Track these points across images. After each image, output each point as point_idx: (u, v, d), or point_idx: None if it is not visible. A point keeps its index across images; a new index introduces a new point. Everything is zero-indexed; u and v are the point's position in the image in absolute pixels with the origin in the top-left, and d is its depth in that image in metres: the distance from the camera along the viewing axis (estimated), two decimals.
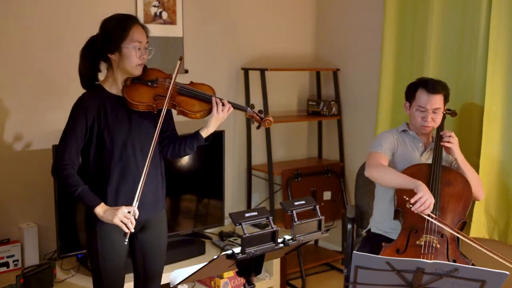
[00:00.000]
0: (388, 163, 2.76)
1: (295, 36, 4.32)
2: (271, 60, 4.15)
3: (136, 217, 2.21)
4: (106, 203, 2.29)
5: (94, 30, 2.34)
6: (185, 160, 3.46)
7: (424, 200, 2.41)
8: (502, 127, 3.14)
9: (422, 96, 2.73)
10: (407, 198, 2.43)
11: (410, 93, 2.81)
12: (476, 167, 3.10)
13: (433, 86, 2.73)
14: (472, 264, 2.52)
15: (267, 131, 3.91)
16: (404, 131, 2.87)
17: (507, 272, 1.91)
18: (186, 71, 3.67)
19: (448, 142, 2.71)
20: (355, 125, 4.21)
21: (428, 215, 2.49)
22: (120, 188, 2.32)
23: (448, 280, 1.96)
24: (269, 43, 4.16)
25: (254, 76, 4.00)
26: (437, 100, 2.72)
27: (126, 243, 2.19)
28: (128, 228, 2.18)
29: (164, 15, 3.61)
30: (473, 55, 3.25)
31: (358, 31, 4.11)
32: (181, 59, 2.36)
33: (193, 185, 3.55)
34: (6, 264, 3.07)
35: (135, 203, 2.20)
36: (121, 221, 2.18)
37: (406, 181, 2.56)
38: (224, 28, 3.93)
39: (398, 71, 3.69)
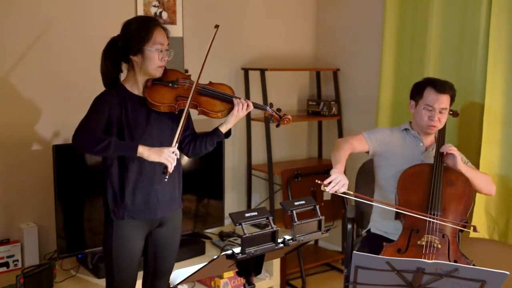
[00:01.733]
0: (370, 151, 2.81)
1: (295, 36, 4.32)
2: (271, 60, 4.15)
3: (178, 156, 2.25)
4: (123, 201, 2.34)
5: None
6: (185, 160, 3.45)
7: (338, 180, 2.43)
8: (502, 127, 3.14)
9: (430, 94, 2.72)
10: (319, 182, 2.44)
11: (417, 92, 2.79)
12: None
13: (441, 85, 2.73)
14: (473, 265, 2.51)
15: (267, 131, 3.91)
16: (405, 129, 2.87)
17: (507, 272, 1.91)
18: (186, 71, 3.67)
19: (450, 150, 2.69)
20: (355, 125, 4.21)
21: (429, 217, 2.50)
22: (137, 186, 2.35)
23: (448, 280, 1.96)
24: (269, 43, 4.16)
25: (254, 76, 4.00)
26: (445, 100, 2.72)
27: (166, 179, 2.23)
28: (171, 166, 2.21)
29: (164, 15, 3.61)
30: (473, 55, 3.25)
31: (358, 31, 4.11)
32: (217, 26, 2.43)
33: (193, 185, 3.55)
34: (6, 264, 3.07)
35: (175, 144, 2.24)
36: (166, 159, 2.20)
37: (334, 161, 2.63)
38: (224, 28, 3.90)
39: (398, 71, 3.69)
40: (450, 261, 2.46)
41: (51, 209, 3.04)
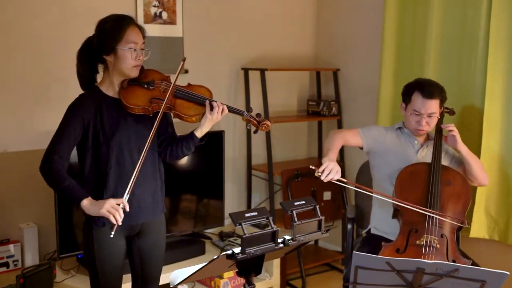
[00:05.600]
0: (364, 147, 2.82)
1: (295, 36, 4.32)
2: (271, 60, 4.15)
3: (127, 209, 2.15)
4: None
5: (93, 30, 2.33)
6: (185, 160, 3.45)
7: (330, 168, 2.45)
8: (502, 127, 3.14)
9: (417, 100, 2.72)
10: (312, 167, 2.45)
11: (406, 95, 2.80)
12: None
13: (429, 90, 2.71)
14: (472, 264, 2.52)
15: (267, 131, 3.91)
16: (399, 128, 2.88)
17: (507, 272, 1.91)
18: (186, 71, 3.67)
19: (452, 132, 2.72)
20: (355, 125, 4.17)
21: (428, 211, 2.50)
22: (117, 192, 2.29)
23: (448, 280, 1.96)
24: (269, 43, 4.16)
25: (254, 76, 4.00)
26: (432, 105, 2.71)
27: (111, 236, 2.13)
28: (116, 220, 2.12)
29: (164, 15, 3.61)
30: (473, 55, 3.25)
31: (358, 31, 4.11)
32: (184, 60, 2.32)
33: (193, 185, 3.55)
34: (6, 264, 3.07)
35: (126, 196, 2.16)
36: (108, 212, 2.12)
37: (325, 150, 2.66)
38: (224, 28, 3.93)
39: (398, 71, 3.69)
40: (449, 261, 2.46)
41: (51, 209, 3.04)
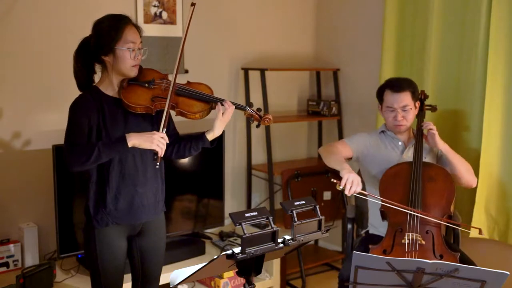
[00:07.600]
0: (353, 156, 2.83)
1: (295, 36, 4.32)
2: (271, 60, 4.15)
3: (167, 141, 2.23)
4: (106, 207, 2.29)
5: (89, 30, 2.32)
6: (185, 160, 3.45)
7: (351, 180, 2.44)
8: (502, 127, 3.14)
9: (388, 96, 2.79)
10: (334, 181, 2.45)
11: (379, 96, 2.86)
12: (476, 167, 3.10)
13: (397, 84, 2.79)
14: (460, 255, 2.53)
15: (267, 131, 3.92)
16: (382, 132, 2.91)
17: (507, 272, 1.91)
18: (186, 71, 3.67)
19: (431, 130, 2.75)
20: (355, 125, 4.21)
21: (413, 211, 2.52)
22: (120, 191, 2.30)
23: (448, 280, 1.96)
24: (269, 43, 4.16)
25: (254, 76, 4.00)
26: (403, 98, 2.76)
27: (157, 166, 2.26)
28: (161, 153, 2.20)
29: (164, 15, 3.61)
30: (473, 55, 3.25)
31: (358, 31, 4.11)
32: (193, 5, 2.32)
33: (193, 185, 3.55)
34: (6, 264, 3.07)
35: (163, 130, 2.23)
36: (158, 145, 2.18)
37: (336, 164, 2.62)
38: (224, 28, 3.93)
39: (398, 71, 3.69)
40: (435, 256, 2.49)
41: (51, 209, 3.04)
